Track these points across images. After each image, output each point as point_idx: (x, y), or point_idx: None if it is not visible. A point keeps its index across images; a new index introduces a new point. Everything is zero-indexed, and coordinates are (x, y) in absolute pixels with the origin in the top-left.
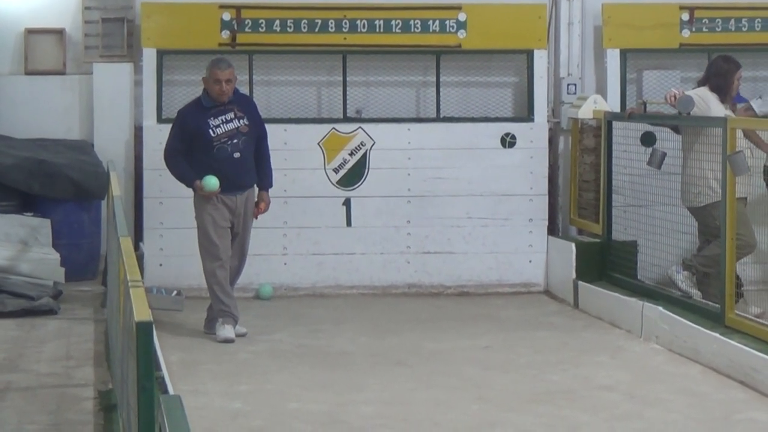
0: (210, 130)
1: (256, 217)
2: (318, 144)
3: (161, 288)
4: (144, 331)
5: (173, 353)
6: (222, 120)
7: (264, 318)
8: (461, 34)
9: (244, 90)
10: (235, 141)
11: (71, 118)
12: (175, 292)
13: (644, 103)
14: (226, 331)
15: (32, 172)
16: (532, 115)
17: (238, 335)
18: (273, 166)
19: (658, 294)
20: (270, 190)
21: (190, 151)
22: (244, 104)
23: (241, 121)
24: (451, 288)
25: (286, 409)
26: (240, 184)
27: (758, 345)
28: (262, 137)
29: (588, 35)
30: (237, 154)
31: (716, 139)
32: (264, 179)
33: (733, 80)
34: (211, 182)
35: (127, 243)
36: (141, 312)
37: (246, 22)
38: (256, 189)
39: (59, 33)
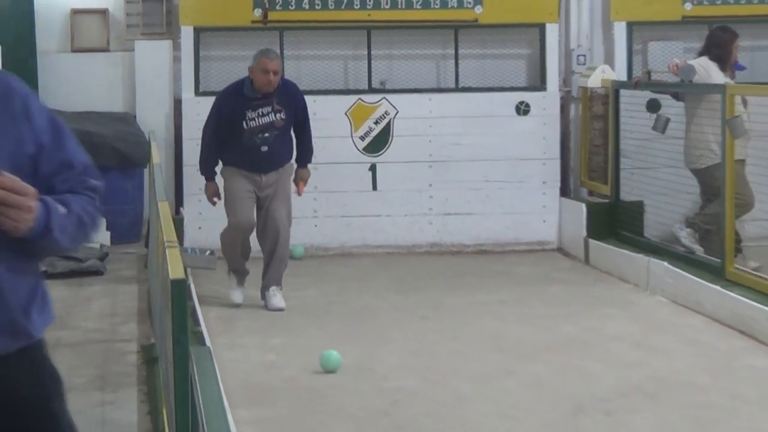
0: (244, 122)
1: (300, 194)
2: (345, 114)
3: (195, 248)
4: (178, 288)
5: (212, 310)
6: (258, 113)
7: (296, 276)
8: (478, 9)
9: None
10: (266, 135)
11: (115, 92)
12: (208, 252)
13: (649, 72)
14: (235, 295)
15: (79, 143)
16: (545, 84)
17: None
18: None
19: (663, 250)
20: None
21: (225, 132)
22: (285, 95)
23: (278, 115)
24: (470, 247)
25: (317, 361)
26: (263, 170)
27: (756, 296)
28: (304, 120)
29: (596, 9)
30: (264, 148)
31: (716, 104)
32: (302, 157)
33: (731, 49)
34: None
35: (165, 207)
36: (176, 270)
37: (277, 0)
38: (294, 165)
39: (103, 13)
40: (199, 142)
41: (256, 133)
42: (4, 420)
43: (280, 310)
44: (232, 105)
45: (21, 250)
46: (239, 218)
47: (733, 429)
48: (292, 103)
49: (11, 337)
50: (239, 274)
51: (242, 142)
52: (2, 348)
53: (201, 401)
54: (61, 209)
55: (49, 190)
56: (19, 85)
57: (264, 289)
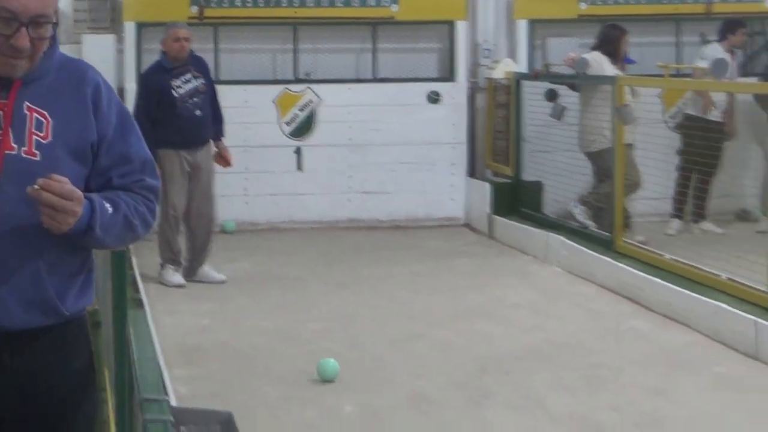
0: (173, 91)
1: (231, 165)
2: (273, 102)
3: None
4: (118, 258)
5: (151, 279)
6: (183, 80)
7: (228, 249)
8: (394, 7)
9: (210, 57)
10: (195, 100)
11: None
12: None
13: (547, 65)
14: (177, 278)
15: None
16: (454, 76)
17: (218, 282)
18: (235, 121)
19: (560, 225)
20: (231, 140)
21: (155, 111)
22: (199, 65)
23: (199, 80)
24: (385, 222)
25: (246, 326)
26: (201, 139)
27: (643, 267)
28: (214, 94)
29: (501, 8)
30: (198, 112)
31: (608, 94)
32: (219, 129)
33: (620, 44)
34: None
35: None
36: None
37: None
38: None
39: None
40: None
41: (186, 100)
42: (34, 391)
43: (222, 282)
44: (157, 80)
45: (63, 244)
46: (174, 201)
47: (619, 386)
48: (206, 73)
49: (41, 314)
50: (175, 262)
51: (177, 113)
52: (31, 323)
53: (136, 360)
54: (108, 208)
55: (105, 183)
56: (93, 75)
57: (198, 266)
